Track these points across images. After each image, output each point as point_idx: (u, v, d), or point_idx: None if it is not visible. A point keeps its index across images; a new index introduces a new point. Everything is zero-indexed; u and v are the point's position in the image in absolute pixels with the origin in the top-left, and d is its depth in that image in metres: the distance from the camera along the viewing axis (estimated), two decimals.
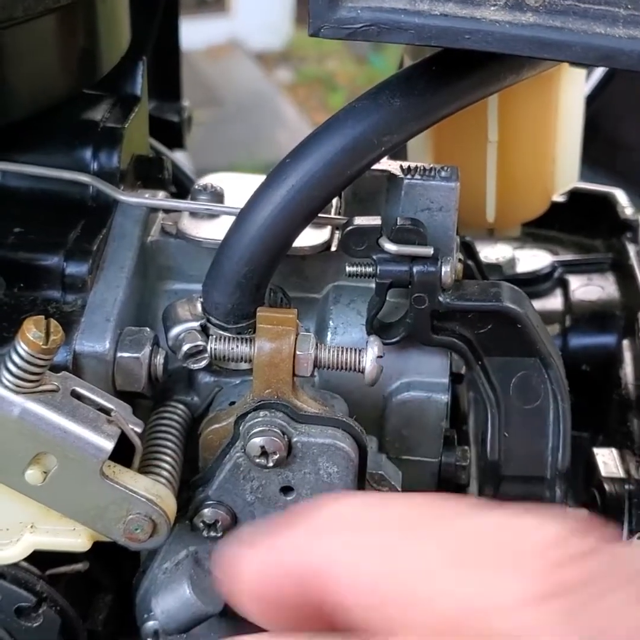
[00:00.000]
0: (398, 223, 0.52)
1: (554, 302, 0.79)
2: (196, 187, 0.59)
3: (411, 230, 0.52)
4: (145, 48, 0.84)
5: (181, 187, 0.74)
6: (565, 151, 0.74)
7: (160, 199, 0.56)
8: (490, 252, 0.81)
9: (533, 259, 0.82)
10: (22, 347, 0.44)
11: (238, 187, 0.60)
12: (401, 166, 0.55)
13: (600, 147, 1.04)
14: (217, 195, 0.59)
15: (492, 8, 0.42)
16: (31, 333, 0.44)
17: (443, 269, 0.52)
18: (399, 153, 0.77)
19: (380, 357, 0.49)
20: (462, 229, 0.77)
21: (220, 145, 3.23)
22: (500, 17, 0.42)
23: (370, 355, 0.49)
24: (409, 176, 0.54)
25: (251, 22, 4.12)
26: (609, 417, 0.68)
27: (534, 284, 0.80)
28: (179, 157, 0.92)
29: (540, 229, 0.85)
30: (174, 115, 0.89)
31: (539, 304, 0.79)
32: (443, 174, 0.54)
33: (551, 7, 0.42)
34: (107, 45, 0.61)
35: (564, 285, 0.79)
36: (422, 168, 0.54)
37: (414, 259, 0.52)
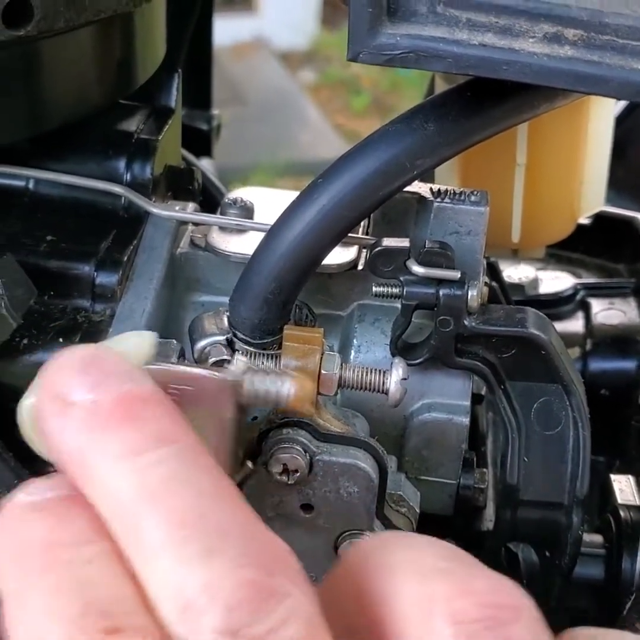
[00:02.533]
0: (426, 246, 0.53)
1: (575, 324, 0.79)
2: (226, 200, 0.59)
3: (439, 253, 0.53)
4: (178, 58, 0.85)
5: (210, 197, 0.75)
6: (592, 175, 0.74)
7: (191, 212, 0.57)
8: (513, 272, 0.82)
9: (555, 281, 0.82)
10: None
11: (268, 202, 0.60)
12: (431, 189, 0.55)
13: (626, 170, 1.04)
14: (247, 210, 0.59)
15: (531, 40, 0.43)
16: None
17: (469, 293, 0.52)
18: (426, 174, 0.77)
19: (405, 379, 0.50)
20: (487, 249, 0.78)
21: (243, 144, 3.24)
22: (539, 49, 0.42)
23: (395, 377, 0.49)
24: (439, 199, 0.54)
25: (277, 22, 4.13)
26: (627, 444, 0.69)
27: (556, 305, 0.80)
28: (204, 162, 0.93)
29: (564, 251, 0.85)
30: (203, 124, 0.90)
31: (560, 326, 0.80)
32: (473, 198, 0.54)
33: (589, 41, 0.43)
34: (144, 57, 0.62)
35: (585, 308, 0.79)
36: (452, 191, 0.55)
37: (440, 281, 0.53)
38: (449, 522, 0.59)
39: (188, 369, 0.40)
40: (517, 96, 0.50)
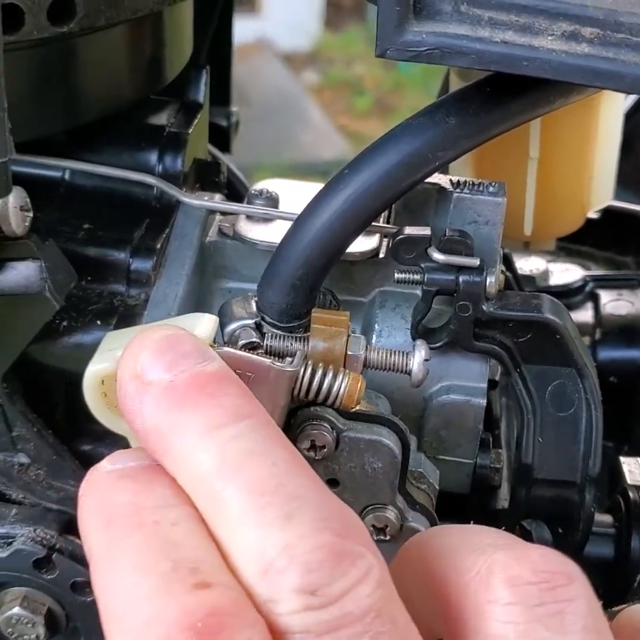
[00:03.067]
0: (446, 234, 0.55)
1: (584, 315, 0.81)
2: (253, 191, 0.61)
3: (459, 241, 0.55)
4: (202, 54, 0.87)
5: (234, 189, 0.77)
6: (602, 169, 0.76)
7: (221, 202, 0.59)
8: (525, 264, 0.84)
9: (565, 273, 0.84)
10: None
11: (291, 193, 0.63)
12: (451, 180, 0.57)
13: (632, 166, 1.06)
14: (273, 200, 0.61)
15: (550, 37, 0.45)
16: None
17: (488, 280, 0.55)
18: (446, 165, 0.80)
19: (427, 360, 0.52)
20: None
21: (246, 144, 3.26)
22: (557, 46, 0.45)
23: (418, 358, 0.52)
24: (458, 190, 0.57)
25: (280, 23, 4.15)
26: (635, 429, 0.71)
27: (566, 296, 0.82)
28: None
29: (573, 244, 0.88)
30: (223, 120, 0.92)
31: None
32: (491, 189, 0.57)
33: (605, 39, 0.45)
34: (173, 54, 0.65)
35: (594, 299, 0.82)
36: (471, 183, 0.57)
37: (460, 268, 0.55)
38: (466, 500, 0.61)
39: (252, 356, 0.42)
40: (534, 91, 0.52)
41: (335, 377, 0.45)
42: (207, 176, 0.65)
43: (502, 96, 0.52)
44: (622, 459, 0.66)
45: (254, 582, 0.32)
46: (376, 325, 0.60)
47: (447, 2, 0.46)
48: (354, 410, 0.52)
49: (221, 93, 0.93)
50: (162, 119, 0.61)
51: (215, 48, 0.90)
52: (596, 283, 0.82)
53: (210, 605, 0.31)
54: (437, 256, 0.55)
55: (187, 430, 0.35)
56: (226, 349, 0.41)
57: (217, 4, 0.87)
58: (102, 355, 0.40)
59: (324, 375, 0.45)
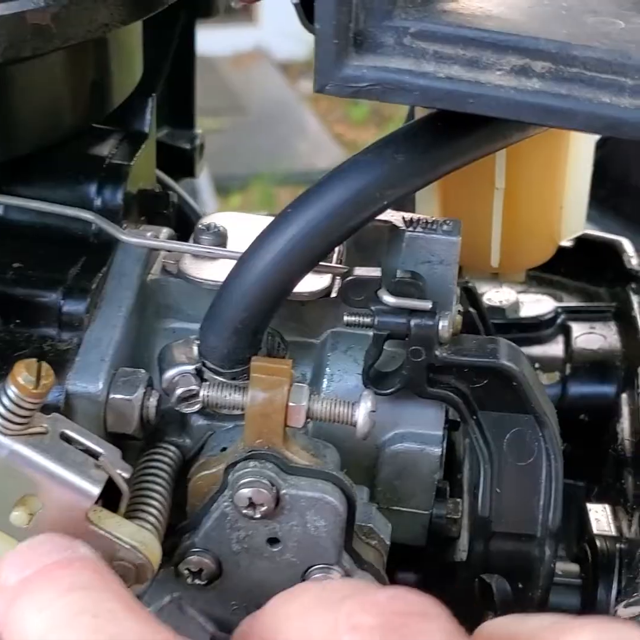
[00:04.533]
0: (397, 276, 0.52)
1: (555, 348, 0.78)
2: (199, 226, 0.58)
3: (410, 283, 0.52)
4: (159, 77, 0.84)
5: (187, 220, 0.74)
6: (573, 199, 0.74)
7: (161, 240, 0.56)
8: (494, 295, 0.81)
9: (536, 304, 0.81)
10: (12, 390, 0.44)
11: (242, 228, 0.60)
12: (403, 218, 0.55)
13: (608, 190, 1.04)
14: (220, 236, 0.58)
15: (498, 72, 0.42)
16: (22, 377, 0.44)
17: (441, 323, 0.52)
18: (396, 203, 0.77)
19: (374, 412, 0.49)
20: (466, 272, 0.77)
21: (242, 153, 3.24)
22: (506, 82, 0.42)
23: (363, 410, 0.49)
24: (411, 228, 0.54)
25: (277, 32, 4.14)
26: (604, 471, 0.68)
27: (537, 329, 0.80)
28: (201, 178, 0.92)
29: (545, 273, 0.85)
30: (186, 143, 0.89)
31: (540, 350, 0.79)
32: (445, 227, 0.54)
33: (557, 74, 0.42)
34: (118, 80, 0.62)
35: (566, 332, 0.79)
36: (424, 221, 0.54)
37: (412, 312, 0.52)
38: (422, 552, 0.58)
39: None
40: (489, 126, 0.49)
41: None
42: (154, 208, 0.62)
43: (454, 132, 0.49)
44: (589, 506, 0.64)
45: None
46: (327, 369, 0.56)
47: (389, 35, 0.43)
48: (296, 465, 0.49)
49: (184, 115, 0.90)
50: (103, 149, 0.58)
51: (177, 70, 0.87)
52: (568, 315, 0.79)
53: None
54: (388, 299, 0.52)
55: (25, 616, 0.38)
56: None
57: (178, 22, 0.84)
58: None
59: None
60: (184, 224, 0.71)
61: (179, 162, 0.89)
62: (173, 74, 0.87)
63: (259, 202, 3.27)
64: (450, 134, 0.49)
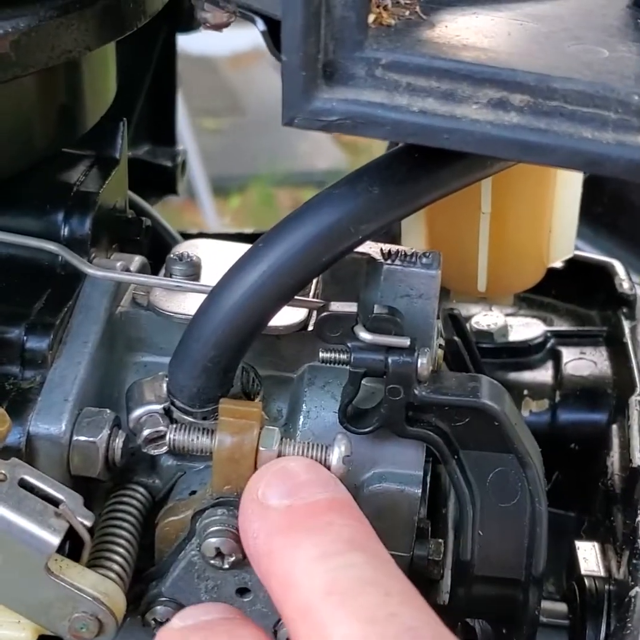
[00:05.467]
0: (374, 311, 0.50)
1: (544, 374, 0.76)
2: (171, 256, 0.56)
3: (388, 319, 0.50)
4: (138, 95, 0.82)
5: (162, 244, 0.72)
6: (561, 222, 0.72)
7: (128, 273, 0.54)
8: (483, 319, 0.79)
9: (526, 328, 0.79)
10: None
11: (217, 257, 0.58)
12: (382, 250, 0.52)
13: (604, 207, 1.02)
14: (193, 266, 0.56)
15: (474, 106, 0.40)
16: None
17: (419, 361, 0.50)
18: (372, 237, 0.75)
19: (348, 456, 0.47)
20: (454, 296, 0.75)
21: (241, 153, 3.21)
22: (482, 116, 0.40)
23: (337, 455, 0.47)
24: (389, 261, 0.52)
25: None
26: (594, 505, 0.66)
27: (526, 354, 0.77)
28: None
29: (536, 295, 0.83)
30: (167, 161, 0.87)
31: (529, 376, 0.77)
32: (424, 260, 0.52)
33: (537, 107, 0.40)
34: (90, 102, 0.59)
35: (556, 357, 0.77)
36: (403, 253, 0.52)
37: (389, 349, 0.50)
38: None
39: None
40: (468, 157, 0.47)
41: None
42: (126, 235, 0.60)
43: (432, 163, 0.47)
44: (577, 544, 0.61)
45: None
46: (304, 406, 0.54)
47: (360, 66, 0.41)
48: None
49: (165, 132, 0.89)
50: (71, 176, 0.56)
51: (158, 87, 0.85)
52: (558, 339, 0.77)
53: None
54: (364, 335, 0.50)
55: (299, 555, 0.35)
56: None
57: (159, 37, 0.82)
58: None
59: None
60: (161, 248, 0.69)
61: (161, 179, 0.88)
62: (154, 89, 0.86)
63: (258, 203, 3.24)
64: (428, 165, 0.47)
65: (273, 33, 0.43)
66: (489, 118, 0.40)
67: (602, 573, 0.59)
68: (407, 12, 0.44)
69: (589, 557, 0.60)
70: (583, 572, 0.59)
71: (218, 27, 0.47)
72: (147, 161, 0.87)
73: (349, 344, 0.51)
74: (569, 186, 0.70)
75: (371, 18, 0.42)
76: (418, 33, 0.42)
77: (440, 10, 0.45)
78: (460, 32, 0.43)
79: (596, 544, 0.61)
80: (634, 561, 0.55)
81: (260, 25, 0.44)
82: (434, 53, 0.41)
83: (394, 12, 0.43)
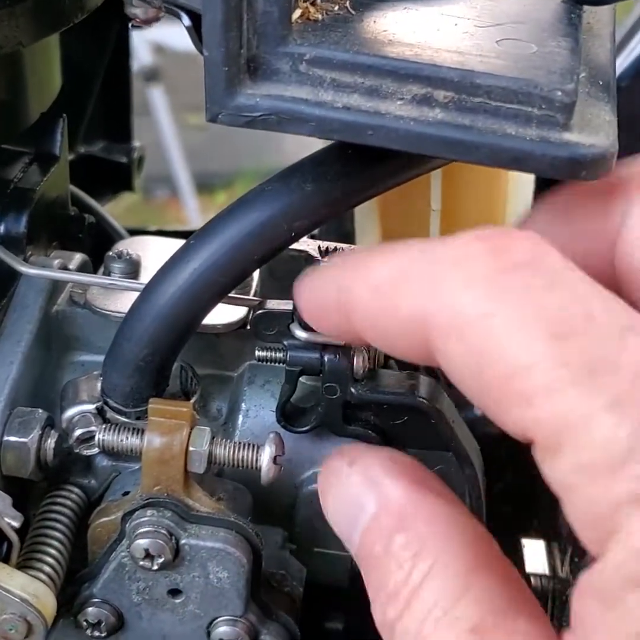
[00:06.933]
0: None
1: None
2: (110, 254, 0.56)
3: None
4: (93, 86, 0.81)
5: (109, 240, 0.71)
6: (514, 217, 0.71)
7: (63, 271, 0.53)
8: None
9: None
10: None
11: (158, 254, 0.57)
12: (319, 247, 0.52)
13: None
14: (133, 263, 0.56)
15: (399, 102, 0.40)
16: None
17: (355, 359, 0.49)
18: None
19: (280, 456, 0.47)
20: None
21: (227, 149, 3.20)
22: (407, 112, 0.39)
23: (267, 455, 0.46)
24: (326, 259, 0.51)
25: None
26: (541, 503, 0.66)
27: None
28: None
29: None
30: (122, 157, 0.86)
31: None
32: None
33: (461, 103, 0.40)
34: (30, 99, 0.59)
35: None
36: (341, 249, 0.52)
37: (325, 346, 0.49)
38: (344, 594, 0.56)
39: None
40: (400, 153, 0.46)
41: None
42: (67, 233, 0.59)
43: (365, 159, 0.46)
44: (524, 541, 0.61)
45: None
46: (243, 405, 0.54)
47: (284, 61, 0.40)
48: (197, 513, 0.46)
49: (121, 128, 0.87)
50: (9, 173, 0.55)
51: (112, 82, 0.84)
52: None
53: None
54: (300, 333, 0.49)
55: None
56: None
57: (111, 33, 0.81)
58: None
59: None
60: (108, 244, 0.68)
61: (116, 176, 0.87)
62: (108, 85, 0.85)
63: None
64: (362, 161, 0.46)
65: (198, 29, 0.43)
66: (413, 114, 0.39)
67: (546, 571, 0.59)
68: (336, 8, 0.43)
69: (535, 555, 0.60)
70: (528, 570, 0.59)
71: (148, 22, 0.46)
72: (101, 157, 0.86)
73: (284, 342, 0.50)
74: (521, 180, 0.70)
75: (298, 13, 0.42)
76: (345, 28, 0.42)
77: (370, 6, 0.44)
78: (388, 27, 0.42)
79: (543, 542, 0.61)
80: (576, 560, 0.55)
81: (186, 20, 0.43)
82: (359, 48, 0.40)
83: (322, 8, 0.43)
